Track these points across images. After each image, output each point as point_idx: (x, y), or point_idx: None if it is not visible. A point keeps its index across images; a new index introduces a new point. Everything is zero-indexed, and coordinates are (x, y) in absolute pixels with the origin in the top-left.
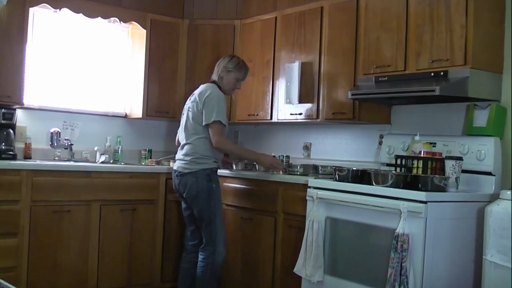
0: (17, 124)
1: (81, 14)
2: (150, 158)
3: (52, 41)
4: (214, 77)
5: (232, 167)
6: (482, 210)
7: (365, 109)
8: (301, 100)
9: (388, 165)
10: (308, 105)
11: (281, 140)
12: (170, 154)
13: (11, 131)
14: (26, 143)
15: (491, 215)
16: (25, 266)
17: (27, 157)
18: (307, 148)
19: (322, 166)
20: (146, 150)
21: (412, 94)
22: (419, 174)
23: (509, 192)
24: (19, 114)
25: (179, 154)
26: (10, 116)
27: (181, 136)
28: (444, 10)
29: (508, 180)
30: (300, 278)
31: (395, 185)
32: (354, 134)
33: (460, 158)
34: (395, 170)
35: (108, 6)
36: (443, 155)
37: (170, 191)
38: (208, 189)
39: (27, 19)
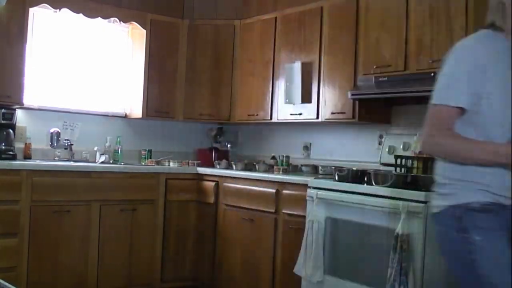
0: (17, 124)
1: (81, 14)
2: (150, 158)
3: (52, 41)
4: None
5: None
6: None
7: (365, 109)
8: (301, 100)
9: (388, 165)
10: (308, 105)
11: (281, 140)
12: (170, 154)
13: (11, 131)
14: (26, 143)
15: None
16: (25, 266)
17: (27, 157)
18: (307, 148)
19: (322, 166)
20: (146, 150)
21: (412, 94)
22: (419, 174)
23: None
24: (19, 114)
25: None
26: (10, 116)
27: None
28: (444, 10)
29: None
30: (300, 278)
31: (395, 185)
32: (354, 134)
33: None
34: (395, 170)
35: (108, 6)
36: None
37: (169, 191)
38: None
39: (27, 19)
